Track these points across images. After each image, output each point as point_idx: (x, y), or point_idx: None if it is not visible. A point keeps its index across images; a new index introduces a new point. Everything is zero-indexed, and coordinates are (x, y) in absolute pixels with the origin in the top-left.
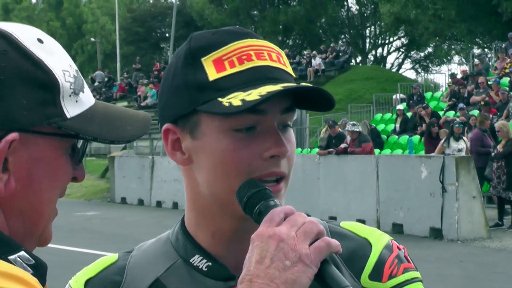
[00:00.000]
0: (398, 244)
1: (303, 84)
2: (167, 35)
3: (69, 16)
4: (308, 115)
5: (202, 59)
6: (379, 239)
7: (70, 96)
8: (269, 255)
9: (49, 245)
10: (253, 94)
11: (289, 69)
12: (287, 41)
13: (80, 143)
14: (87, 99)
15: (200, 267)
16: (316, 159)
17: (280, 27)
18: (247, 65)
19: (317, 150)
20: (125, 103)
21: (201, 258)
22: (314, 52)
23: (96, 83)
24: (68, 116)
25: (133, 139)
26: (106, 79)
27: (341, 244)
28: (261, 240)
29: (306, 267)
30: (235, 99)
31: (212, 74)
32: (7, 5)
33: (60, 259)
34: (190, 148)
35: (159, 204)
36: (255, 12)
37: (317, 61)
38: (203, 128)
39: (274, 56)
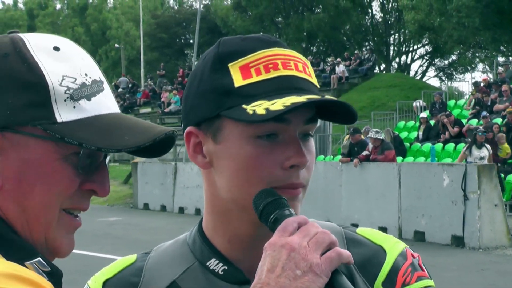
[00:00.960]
0: (413, 252)
1: (327, 97)
2: (191, 41)
3: (94, 22)
4: (331, 122)
5: (229, 65)
6: (394, 247)
7: (65, 101)
8: (281, 264)
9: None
10: (278, 104)
11: (314, 79)
12: (311, 48)
13: (83, 152)
14: (94, 107)
15: (216, 270)
16: (338, 166)
17: (304, 34)
18: (273, 74)
19: (339, 157)
20: (149, 109)
21: (217, 261)
22: (338, 59)
23: (120, 89)
24: (59, 120)
25: (125, 149)
26: (130, 85)
27: (355, 251)
28: (273, 249)
29: (317, 276)
30: (259, 107)
31: (238, 80)
32: (32, 11)
33: (82, 264)
34: (212, 152)
35: (181, 210)
36: (279, 19)
37: (340, 68)
38: (226, 133)
39: (300, 66)
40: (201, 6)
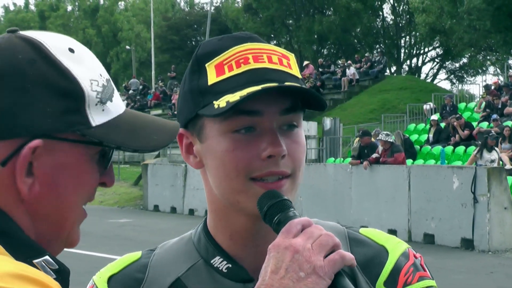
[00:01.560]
0: (415, 253)
1: (288, 84)
2: None
3: (105, 24)
4: (341, 124)
5: (206, 65)
6: (396, 247)
7: (96, 105)
8: (284, 266)
9: (81, 251)
10: (236, 95)
11: (294, 71)
12: (322, 50)
13: (107, 149)
14: (115, 108)
15: (220, 268)
16: (348, 168)
17: (315, 36)
18: (243, 68)
19: (349, 159)
20: (159, 111)
21: (221, 259)
22: (349, 61)
23: (131, 91)
24: (93, 124)
25: (157, 148)
26: (140, 87)
27: (358, 251)
28: (277, 251)
29: (320, 279)
30: (223, 101)
31: (212, 78)
32: (43, 12)
33: (91, 266)
34: (200, 151)
35: (191, 212)
36: (290, 21)
37: (351, 71)
38: (207, 131)
39: (275, 58)
40: (212, 8)
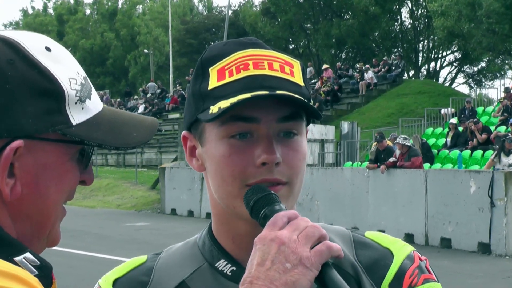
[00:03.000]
0: (420, 255)
1: (280, 92)
2: None
3: (123, 28)
4: (359, 128)
5: (210, 69)
6: (401, 249)
7: (76, 103)
8: (270, 258)
9: (99, 254)
10: (227, 102)
11: (296, 79)
12: (340, 54)
13: (87, 148)
14: (94, 105)
15: (224, 271)
16: (365, 173)
17: (333, 40)
18: (242, 74)
19: (367, 163)
20: (177, 115)
21: (226, 262)
22: (367, 65)
23: (149, 95)
24: (74, 123)
25: (138, 145)
26: (158, 90)
27: (363, 253)
28: (263, 243)
29: (307, 269)
30: (216, 107)
31: (213, 83)
32: (62, 16)
33: (108, 269)
34: (201, 154)
35: (208, 215)
36: (308, 25)
37: (369, 75)
38: (207, 135)
39: (276, 65)
40: (230, 12)
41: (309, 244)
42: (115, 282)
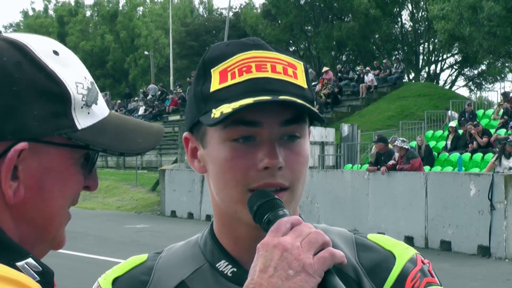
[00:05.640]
0: (423, 259)
1: (282, 97)
2: None
3: (123, 30)
4: (359, 131)
5: (212, 70)
6: (403, 253)
7: (82, 108)
8: (273, 264)
9: (99, 257)
10: (229, 107)
11: (299, 81)
12: (341, 56)
13: (92, 153)
14: (100, 110)
15: (225, 272)
16: (365, 175)
17: (334, 42)
18: (245, 77)
19: (367, 166)
20: (178, 117)
21: (226, 263)
22: (367, 68)
23: (149, 97)
24: (79, 127)
25: (143, 151)
26: (159, 92)
27: (365, 256)
28: (266, 250)
29: (309, 276)
30: (218, 111)
31: (215, 85)
32: (62, 18)
33: None
34: (203, 156)
35: (208, 217)
36: (309, 27)
37: (369, 77)
38: (209, 138)
39: (280, 67)
40: (231, 14)
41: (312, 250)
42: (114, 281)
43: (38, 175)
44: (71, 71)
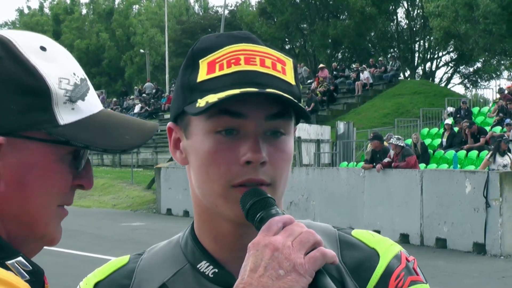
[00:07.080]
0: (408, 256)
1: (269, 90)
2: None
3: (119, 28)
4: (355, 128)
5: (200, 61)
6: (388, 250)
7: (65, 103)
8: (263, 264)
9: (95, 255)
10: (215, 97)
11: (288, 77)
12: (336, 54)
13: (81, 150)
14: (88, 107)
15: (206, 273)
16: (361, 173)
17: (329, 40)
18: (233, 69)
19: (362, 164)
20: None
21: (207, 264)
22: (363, 66)
23: (145, 95)
24: (61, 122)
25: (129, 148)
26: (154, 90)
27: (348, 254)
28: (256, 249)
29: (300, 276)
30: (203, 100)
31: (202, 75)
32: (58, 16)
33: None
34: (185, 147)
35: None
36: (305, 25)
37: (365, 75)
38: (192, 128)
39: (268, 62)
40: (226, 12)
41: (303, 250)
42: (96, 286)
43: (19, 171)
44: (57, 66)
